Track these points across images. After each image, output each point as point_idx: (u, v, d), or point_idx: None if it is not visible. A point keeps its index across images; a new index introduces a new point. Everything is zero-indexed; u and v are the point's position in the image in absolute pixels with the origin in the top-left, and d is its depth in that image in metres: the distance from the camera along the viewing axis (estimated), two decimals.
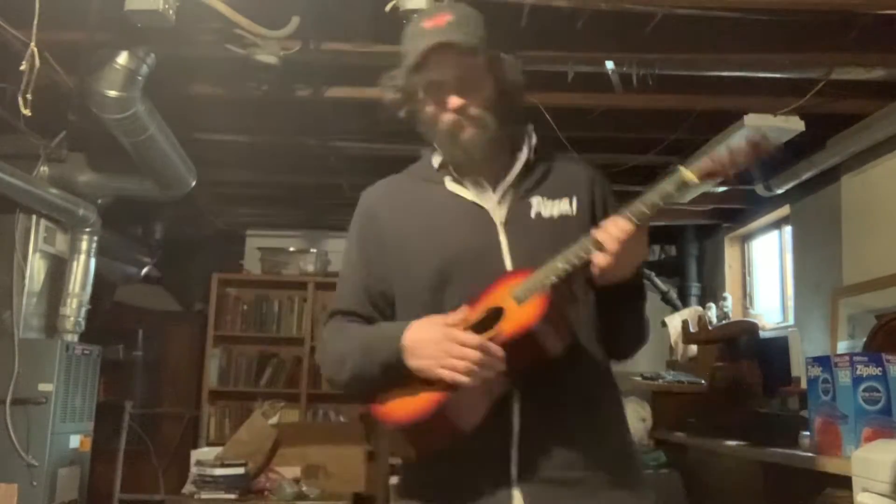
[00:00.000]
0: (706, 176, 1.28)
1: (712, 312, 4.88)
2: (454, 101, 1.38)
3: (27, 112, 2.41)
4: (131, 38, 2.66)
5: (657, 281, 5.63)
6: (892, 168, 3.38)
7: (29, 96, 2.39)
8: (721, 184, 1.29)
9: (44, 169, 3.61)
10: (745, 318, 4.73)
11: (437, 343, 1.24)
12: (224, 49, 2.66)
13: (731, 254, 5.24)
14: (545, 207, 1.43)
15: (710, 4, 2.49)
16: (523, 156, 1.46)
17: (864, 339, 3.09)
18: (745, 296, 5.16)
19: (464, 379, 1.22)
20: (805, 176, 3.81)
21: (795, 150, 3.68)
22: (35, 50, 2.34)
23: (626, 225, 1.26)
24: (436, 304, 1.35)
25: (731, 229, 5.19)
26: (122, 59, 2.73)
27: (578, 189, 1.46)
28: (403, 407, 1.29)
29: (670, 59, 2.83)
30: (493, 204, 1.42)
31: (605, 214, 1.40)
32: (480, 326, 1.27)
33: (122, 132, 3.07)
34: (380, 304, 1.45)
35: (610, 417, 1.44)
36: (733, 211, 5.02)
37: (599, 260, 1.26)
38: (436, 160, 1.50)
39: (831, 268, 3.79)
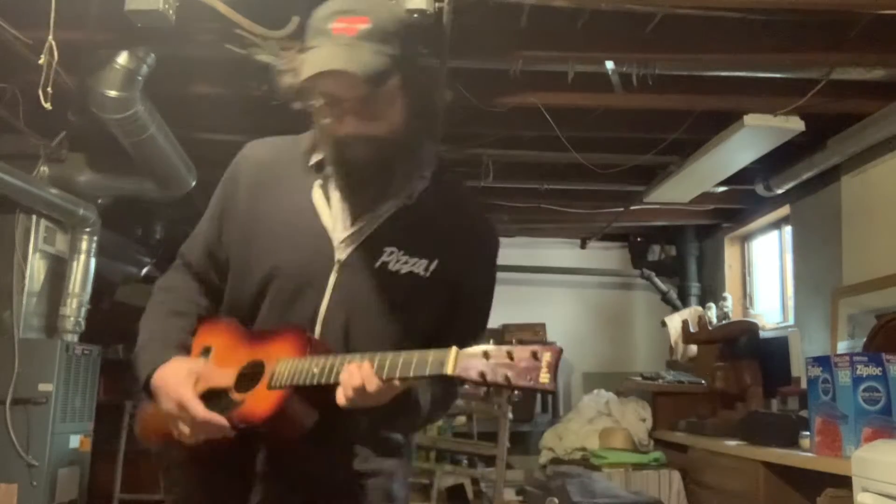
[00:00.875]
0: (463, 372, 1.10)
1: (712, 312, 4.88)
2: (349, 124, 1.23)
3: (48, 106, 2.42)
4: (131, 38, 2.66)
5: (657, 281, 5.63)
6: (892, 168, 3.39)
7: (50, 90, 2.40)
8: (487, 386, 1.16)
9: (44, 169, 3.61)
10: (745, 318, 4.74)
11: (170, 402, 1.23)
12: (224, 49, 2.66)
13: (731, 254, 5.25)
14: (396, 261, 1.29)
15: (709, 4, 2.49)
16: (399, 200, 1.30)
17: (864, 339, 3.09)
18: (745, 296, 5.16)
19: (184, 438, 1.24)
20: (805, 176, 3.81)
21: (795, 150, 3.68)
22: (53, 44, 2.34)
23: (371, 381, 1.12)
24: (257, 301, 1.33)
25: (731, 229, 5.19)
26: (122, 59, 2.73)
27: (447, 252, 1.30)
28: (149, 424, 1.35)
29: (670, 59, 2.83)
30: (343, 237, 1.29)
31: (461, 289, 1.32)
32: (243, 378, 1.26)
33: (122, 132, 3.07)
34: (221, 267, 1.39)
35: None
36: (733, 211, 5.02)
37: (337, 396, 1.16)
38: (314, 157, 1.34)
39: (831, 268, 3.79)
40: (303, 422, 1.21)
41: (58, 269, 3.81)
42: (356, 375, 1.13)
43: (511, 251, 5.76)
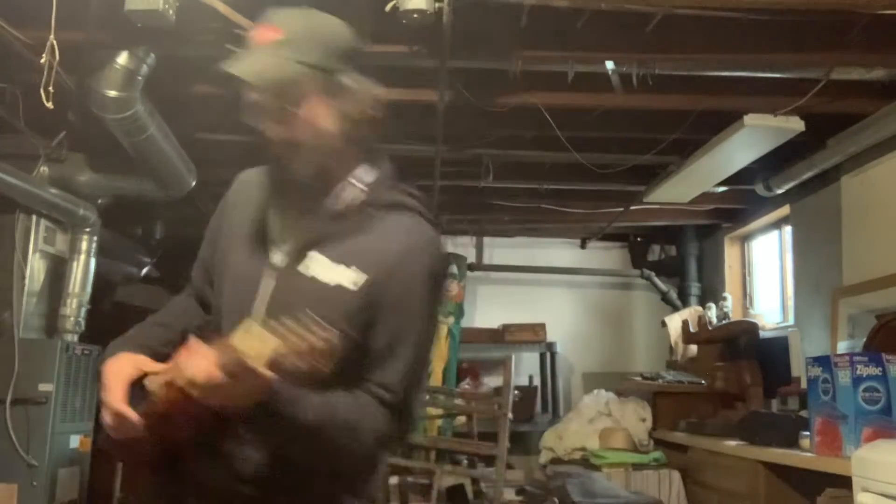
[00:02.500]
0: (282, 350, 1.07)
1: (712, 312, 4.88)
2: (269, 129, 1.28)
3: (50, 105, 2.42)
4: (131, 38, 2.66)
5: (657, 281, 5.64)
6: (892, 168, 3.39)
7: (51, 89, 2.41)
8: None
9: (44, 169, 3.61)
10: (745, 318, 4.74)
11: (102, 393, 1.25)
12: (224, 49, 2.66)
13: (731, 254, 5.25)
14: (323, 269, 1.27)
15: (709, 4, 2.49)
16: (330, 206, 1.31)
17: (864, 339, 3.09)
18: (745, 296, 5.16)
19: (112, 433, 1.23)
20: (805, 176, 3.81)
21: (795, 150, 3.68)
22: (55, 43, 2.35)
23: (205, 370, 1.08)
24: (217, 313, 1.38)
25: (731, 229, 5.19)
26: (122, 59, 2.73)
27: (378, 266, 1.26)
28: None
29: (670, 59, 2.83)
30: (280, 245, 1.31)
31: (390, 306, 1.25)
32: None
33: (122, 132, 3.07)
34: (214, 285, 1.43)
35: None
36: (733, 211, 5.02)
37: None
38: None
39: (831, 268, 3.79)
40: (179, 420, 1.21)
41: (58, 269, 3.81)
42: (189, 368, 1.10)
43: (511, 251, 5.77)
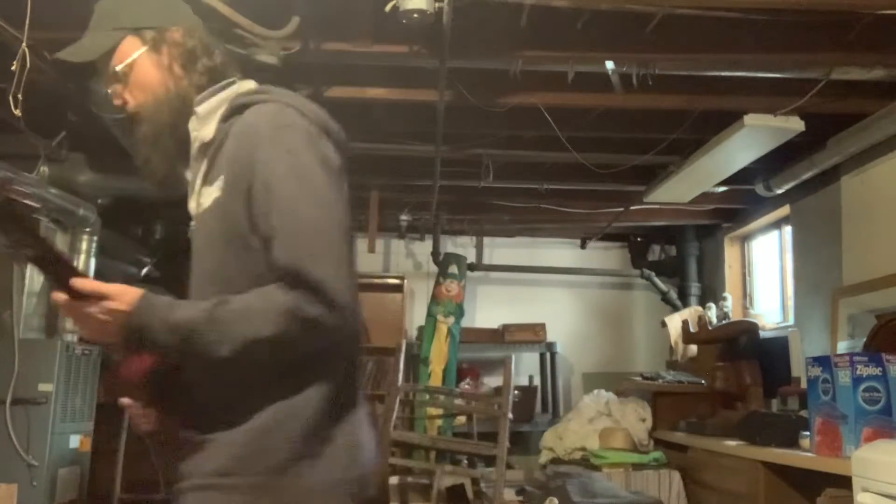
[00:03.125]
0: None
1: (712, 312, 4.88)
2: (114, 100, 1.37)
3: (18, 113, 2.42)
4: None
5: (657, 281, 5.64)
6: (892, 168, 3.39)
7: (20, 96, 2.39)
8: None
9: (44, 169, 3.61)
10: (745, 318, 4.73)
11: None
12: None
13: (731, 254, 5.25)
14: (205, 196, 1.25)
15: (709, 4, 2.49)
16: (197, 138, 1.31)
17: (864, 339, 3.09)
18: (745, 296, 5.16)
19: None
20: (805, 176, 3.81)
21: (795, 150, 3.68)
22: (27, 50, 2.34)
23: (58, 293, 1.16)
24: None
25: (731, 229, 5.19)
26: None
27: (230, 161, 1.22)
28: None
29: (670, 59, 2.83)
30: (190, 198, 1.33)
31: (253, 189, 1.17)
32: None
33: (122, 132, 3.08)
34: None
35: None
36: (733, 211, 5.02)
37: None
38: None
39: (831, 268, 3.79)
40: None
41: None
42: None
43: (511, 251, 5.77)
